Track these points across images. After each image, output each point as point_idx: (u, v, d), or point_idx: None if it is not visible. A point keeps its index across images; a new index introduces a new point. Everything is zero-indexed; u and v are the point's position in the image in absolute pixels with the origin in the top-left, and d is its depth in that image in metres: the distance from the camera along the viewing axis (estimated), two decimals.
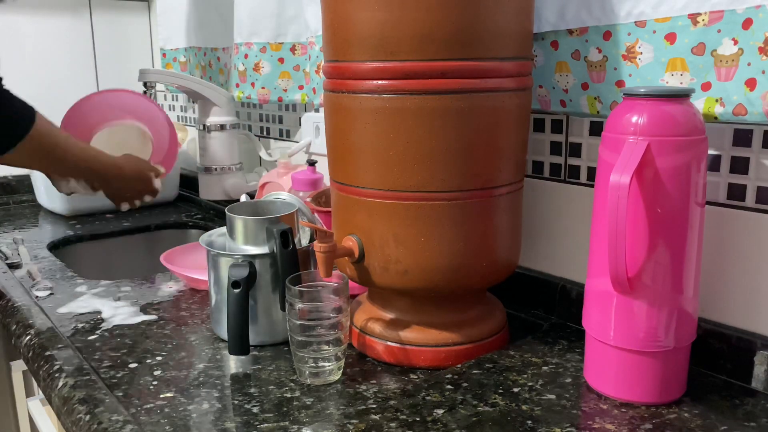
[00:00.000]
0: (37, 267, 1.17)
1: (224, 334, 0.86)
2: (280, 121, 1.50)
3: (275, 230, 0.81)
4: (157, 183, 1.13)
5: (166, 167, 1.18)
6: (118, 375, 0.77)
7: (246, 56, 1.37)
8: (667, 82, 0.73)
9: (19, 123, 0.91)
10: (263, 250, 0.84)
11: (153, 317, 0.95)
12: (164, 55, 1.81)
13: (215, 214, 1.63)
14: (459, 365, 0.78)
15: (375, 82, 0.72)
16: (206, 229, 1.57)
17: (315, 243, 0.76)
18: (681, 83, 0.71)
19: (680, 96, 0.65)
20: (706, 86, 0.69)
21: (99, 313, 0.97)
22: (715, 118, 0.69)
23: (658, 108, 0.64)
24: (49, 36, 1.86)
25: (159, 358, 0.82)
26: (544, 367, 0.77)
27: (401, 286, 0.77)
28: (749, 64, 0.66)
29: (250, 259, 0.82)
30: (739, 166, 0.73)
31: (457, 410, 0.68)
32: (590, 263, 0.71)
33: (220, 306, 0.86)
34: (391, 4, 0.70)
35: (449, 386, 0.73)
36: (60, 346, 0.84)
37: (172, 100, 1.98)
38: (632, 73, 0.75)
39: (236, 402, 0.71)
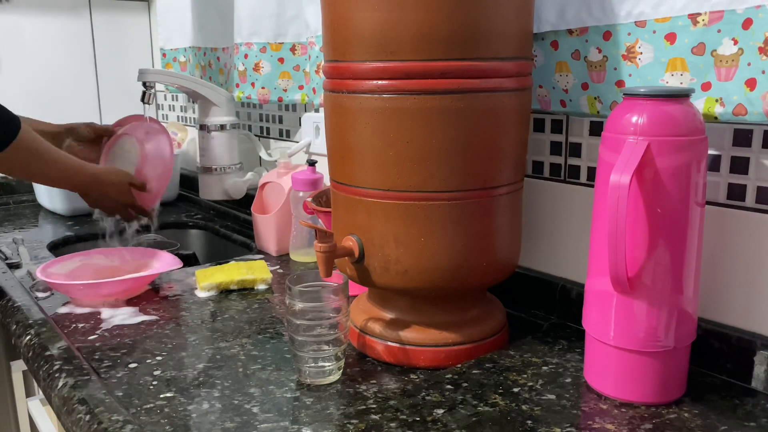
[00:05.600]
0: (37, 267, 1.17)
1: None
2: (280, 121, 1.50)
3: None
4: (148, 201, 1.21)
5: (159, 186, 1.24)
6: (118, 375, 0.77)
7: (246, 56, 1.37)
8: (667, 82, 0.72)
9: (5, 130, 0.98)
10: None
11: (153, 317, 0.95)
12: (164, 55, 1.80)
13: (215, 214, 1.63)
14: (459, 365, 0.78)
15: (375, 82, 0.72)
16: (206, 229, 1.57)
17: (315, 243, 0.76)
18: (681, 83, 0.71)
19: (680, 96, 0.65)
20: (706, 86, 0.69)
21: (99, 313, 0.97)
22: (715, 118, 0.69)
23: (658, 108, 0.64)
24: (49, 36, 1.86)
25: (159, 358, 0.82)
26: (544, 367, 0.77)
27: (401, 286, 0.77)
28: (749, 64, 0.66)
29: None
30: (739, 166, 0.73)
31: (457, 410, 0.68)
32: (590, 263, 0.71)
33: None
34: (391, 4, 0.70)
35: (449, 386, 0.73)
36: (60, 346, 0.84)
37: (172, 100, 1.98)
38: (632, 73, 0.75)
39: (236, 402, 0.71)
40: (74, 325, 0.92)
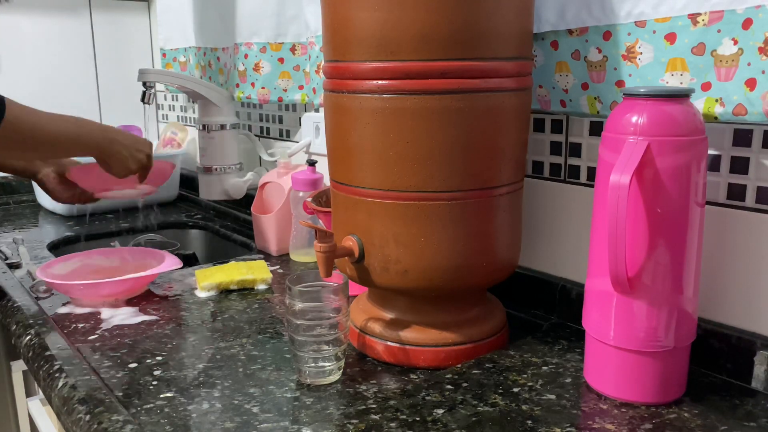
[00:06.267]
0: (37, 267, 1.17)
1: None
2: (280, 121, 1.50)
3: None
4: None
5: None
6: (118, 375, 0.77)
7: (246, 56, 1.37)
8: (667, 82, 0.73)
9: None
10: None
11: (153, 317, 0.95)
12: (164, 55, 1.81)
13: (215, 214, 1.63)
14: (459, 365, 0.78)
15: (375, 82, 0.72)
16: (206, 229, 1.57)
17: (315, 243, 0.76)
18: (681, 83, 0.71)
19: (680, 96, 0.65)
20: (706, 86, 0.69)
21: (99, 313, 0.97)
22: (715, 118, 0.69)
23: (658, 108, 0.64)
24: (49, 36, 1.86)
25: (159, 358, 0.82)
26: (544, 367, 0.77)
27: (401, 286, 0.77)
28: (749, 64, 0.66)
29: None
30: (739, 166, 0.73)
31: (457, 410, 0.68)
32: (590, 263, 0.71)
33: None
34: (391, 4, 0.70)
35: (449, 386, 0.73)
36: (60, 346, 0.84)
37: (172, 100, 1.98)
38: (632, 73, 0.75)
39: (236, 402, 0.71)
40: (74, 325, 0.92)
